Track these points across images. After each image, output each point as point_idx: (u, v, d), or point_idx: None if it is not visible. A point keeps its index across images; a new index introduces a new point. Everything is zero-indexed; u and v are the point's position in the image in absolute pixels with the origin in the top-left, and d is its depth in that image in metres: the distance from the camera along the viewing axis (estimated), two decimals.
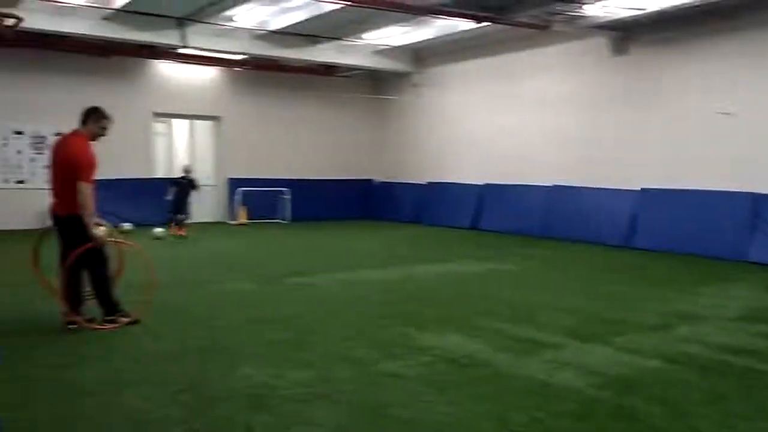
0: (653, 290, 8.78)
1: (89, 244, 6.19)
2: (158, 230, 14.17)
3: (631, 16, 12.47)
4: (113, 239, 6.74)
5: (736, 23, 11.96)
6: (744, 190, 11.74)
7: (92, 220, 6.22)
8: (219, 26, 14.89)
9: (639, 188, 13.41)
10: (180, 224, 14.75)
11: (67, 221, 6.27)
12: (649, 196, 13.22)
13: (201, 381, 4.87)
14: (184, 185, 14.84)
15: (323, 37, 15.99)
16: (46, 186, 6.67)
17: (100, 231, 6.34)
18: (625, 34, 13.76)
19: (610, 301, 8.04)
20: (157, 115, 17.87)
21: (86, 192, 6.13)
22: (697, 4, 11.37)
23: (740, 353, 5.74)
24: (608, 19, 12.72)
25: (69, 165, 6.19)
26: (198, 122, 18.97)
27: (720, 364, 5.44)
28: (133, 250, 6.75)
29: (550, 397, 4.62)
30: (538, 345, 5.94)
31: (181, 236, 14.44)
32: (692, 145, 12.73)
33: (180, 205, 14.79)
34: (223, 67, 18.02)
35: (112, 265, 6.61)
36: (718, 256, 11.60)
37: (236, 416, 4.21)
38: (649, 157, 13.43)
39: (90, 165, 6.23)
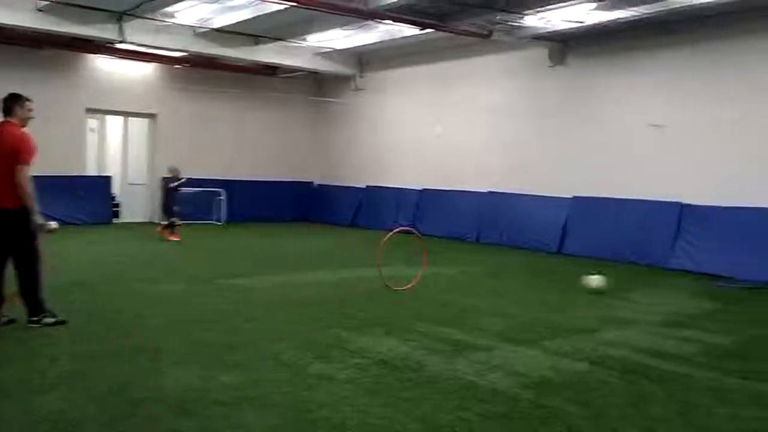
0: (582, 296, 9.01)
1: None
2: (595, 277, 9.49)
3: (569, 28, 12.80)
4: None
5: (672, 38, 12.42)
6: (671, 200, 12.20)
7: (34, 204, 6.06)
8: (159, 22, 14.58)
9: (571, 196, 13.77)
10: (171, 228, 13.96)
11: (2, 215, 6.07)
12: (581, 204, 13.59)
13: (126, 383, 4.75)
14: (168, 186, 14.27)
15: (266, 37, 15.85)
16: None
17: (49, 227, 6.27)
18: (564, 45, 14.13)
19: (541, 305, 8.22)
20: (91, 110, 17.36)
21: (25, 174, 6.01)
22: (633, 18, 11.75)
23: (663, 357, 5.95)
24: (547, 30, 13.02)
25: (6, 154, 6.04)
26: (132, 119, 18.50)
27: (643, 367, 5.63)
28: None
29: (479, 398, 4.69)
30: (469, 348, 6.03)
31: (174, 241, 13.70)
32: (624, 155, 13.14)
33: (167, 208, 14.18)
34: (160, 64, 17.65)
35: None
36: (646, 263, 12.01)
37: (162, 420, 4.12)
38: (582, 166, 13.79)
39: (30, 150, 6.14)
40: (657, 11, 11.31)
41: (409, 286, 9.00)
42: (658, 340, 6.59)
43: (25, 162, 6.05)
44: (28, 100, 6.41)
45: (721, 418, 4.51)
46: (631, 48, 13.13)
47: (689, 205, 12.01)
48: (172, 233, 13.96)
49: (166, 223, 14.17)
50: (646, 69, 12.92)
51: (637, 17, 11.70)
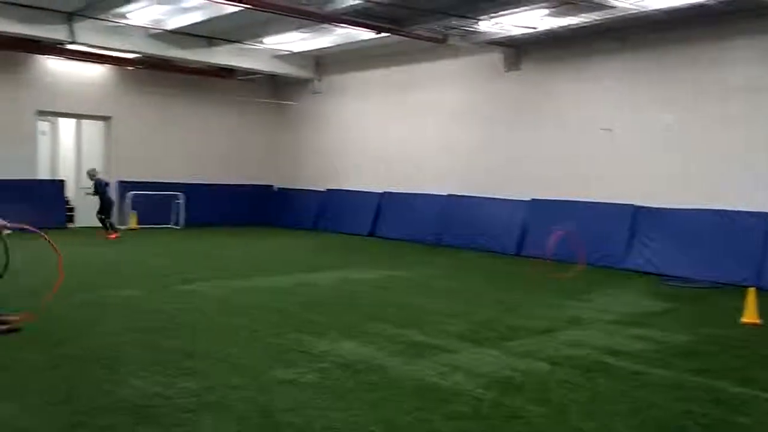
0: (542, 297, 9.14)
1: None
2: None
3: (522, 34, 12.98)
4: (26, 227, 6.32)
5: (621, 44, 12.71)
6: (625, 202, 12.47)
7: None
8: (111, 23, 14.30)
9: (529, 199, 13.95)
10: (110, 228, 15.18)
11: None
12: (538, 207, 13.78)
13: (82, 391, 4.64)
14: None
15: (222, 39, 15.70)
16: None
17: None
18: (518, 50, 14.33)
19: (501, 306, 8.30)
20: (42, 113, 16.94)
21: None
22: (585, 24, 11.98)
23: (619, 355, 6.07)
24: (502, 35, 13.20)
25: None
26: (86, 122, 18.12)
27: (601, 365, 5.73)
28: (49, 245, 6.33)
29: (441, 399, 4.71)
30: (431, 349, 6.05)
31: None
32: (579, 158, 13.38)
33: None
34: (114, 66, 17.31)
35: None
36: (602, 264, 12.23)
37: (119, 428, 4.04)
38: (539, 169, 13.99)
39: None
40: (606, 18, 11.56)
41: (569, 275, 10.16)
42: (615, 339, 6.72)
43: None
44: None
45: (676, 413, 4.61)
46: (582, 53, 13.39)
47: (643, 207, 12.28)
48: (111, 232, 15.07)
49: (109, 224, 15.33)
50: (598, 74, 13.19)
51: (588, 24, 11.93)
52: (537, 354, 6.00)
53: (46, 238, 6.25)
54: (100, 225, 15.27)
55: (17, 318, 6.21)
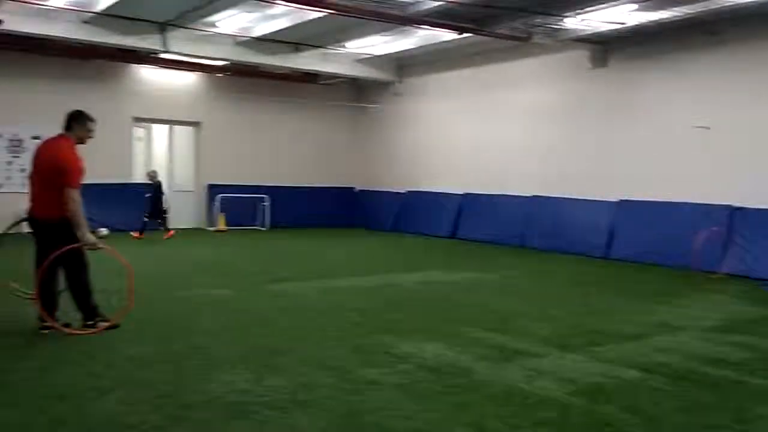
0: (630, 300, 8.87)
1: (69, 247, 6.14)
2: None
3: (610, 30, 12.64)
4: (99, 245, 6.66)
5: (716, 38, 12.16)
6: (720, 203, 11.93)
7: (84, 225, 6.17)
8: (201, 32, 14.86)
9: (617, 200, 13.56)
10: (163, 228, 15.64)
11: (47, 225, 6.21)
12: (627, 208, 13.37)
13: (179, 387, 4.84)
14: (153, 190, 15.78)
15: (306, 45, 16.01)
16: (24, 190, 6.58)
17: (100, 234, 6.36)
18: (605, 47, 13.94)
19: (588, 310, 8.11)
20: (137, 119, 17.77)
21: (75, 198, 6.10)
22: (675, 18, 11.55)
23: (715, 363, 5.81)
24: (588, 32, 12.88)
25: (54, 170, 6.14)
26: (177, 127, 18.88)
27: (695, 373, 5.51)
28: (112, 256, 6.67)
29: (528, 404, 4.65)
30: (517, 354, 5.98)
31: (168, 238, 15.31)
32: (670, 157, 12.90)
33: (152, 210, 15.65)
34: (204, 73, 17.97)
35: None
36: (696, 267, 11.73)
37: (215, 423, 4.19)
38: (627, 169, 13.58)
39: (77, 170, 6.21)
40: (699, 11, 11.11)
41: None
42: (711, 346, 6.44)
43: (74, 185, 6.09)
44: (90, 120, 6.48)
45: None
46: (673, 49, 12.89)
47: (740, 208, 11.72)
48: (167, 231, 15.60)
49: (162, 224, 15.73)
50: (690, 70, 12.67)
51: (679, 18, 11.49)
52: (627, 360, 5.83)
53: (111, 251, 6.51)
54: (155, 226, 15.58)
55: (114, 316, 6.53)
